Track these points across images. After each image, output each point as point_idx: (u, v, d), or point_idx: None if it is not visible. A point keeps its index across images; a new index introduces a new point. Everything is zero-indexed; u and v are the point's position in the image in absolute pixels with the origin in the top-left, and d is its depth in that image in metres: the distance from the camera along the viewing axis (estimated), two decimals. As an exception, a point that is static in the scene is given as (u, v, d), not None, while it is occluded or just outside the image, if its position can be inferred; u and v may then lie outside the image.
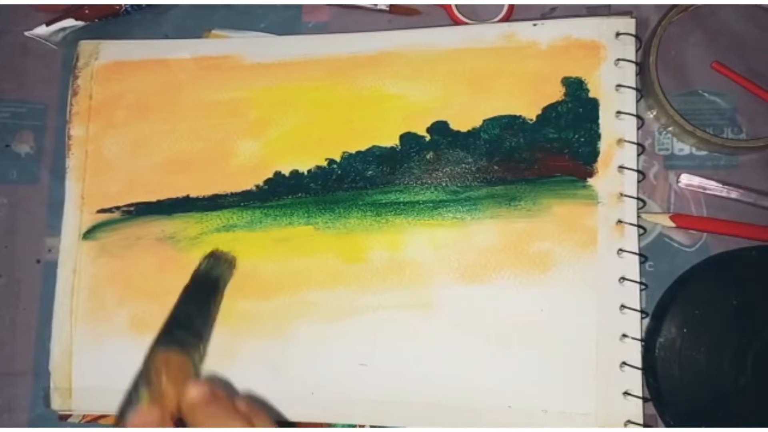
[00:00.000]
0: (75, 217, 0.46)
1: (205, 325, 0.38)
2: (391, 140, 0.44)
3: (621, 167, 0.41)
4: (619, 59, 0.42)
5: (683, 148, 0.44)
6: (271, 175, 0.44)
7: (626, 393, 0.40)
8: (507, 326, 0.41)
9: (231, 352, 0.43)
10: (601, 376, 0.40)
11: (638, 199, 0.41)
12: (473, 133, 0.43)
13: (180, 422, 0.32)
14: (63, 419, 0.45)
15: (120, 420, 0.32)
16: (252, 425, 0.31)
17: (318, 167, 0.44)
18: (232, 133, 0.45)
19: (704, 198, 0.43)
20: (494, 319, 0.41)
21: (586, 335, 0.40)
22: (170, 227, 0.45)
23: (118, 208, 0.45)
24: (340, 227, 0.43)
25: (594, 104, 0.42)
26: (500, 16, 0.45)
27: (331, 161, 0.44)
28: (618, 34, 0.42)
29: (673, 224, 0.42)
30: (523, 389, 0.41)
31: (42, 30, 0.47)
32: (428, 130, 0.44)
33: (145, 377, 0.33)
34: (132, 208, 0.45)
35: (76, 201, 0.46)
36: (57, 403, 0.44)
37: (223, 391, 0.33)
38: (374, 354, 0.42)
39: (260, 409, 0.33)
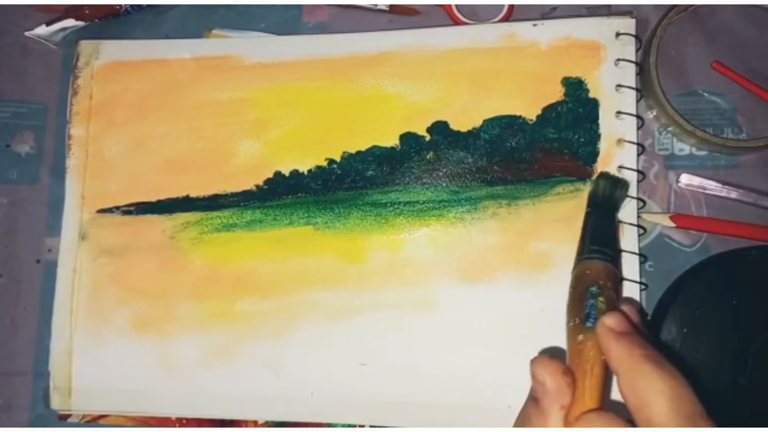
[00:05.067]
0: (75, 217, 0.46)
1: (614, 238, 0.38)
2: (391, 140, 0.44)
3: (621, 167, 0.41)
4: (619, 59, 0.42)
5: (683, 148, 0.44)
6: (271, 175, 0.44)
7: (626, 393, 0.40)
8: (507, 326, 0.41)
9: (231, 351, 0.43)
10: (601, 376, 0.40)
11: (638, 199, 0.41)
12: (473, 133, 0.43)
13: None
14: (63, 419, 0.45)
15: (582, 330, 0.31)
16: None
17: (318, 167, 0.44)
18: (232, 133, 0.45)
19: (704, 198, 0.43)
20: (494, 318, 0.41)
21: (586, 335, 0.40)
22: (170, 227, 0.45)
23: (118, 207, 0.45)
24: (340, 227, 0.43)
25: (594, 104, 0.42)
26: (500, 16, 0.45)
27: (331, 161, 0.44)
28: (618, 35, 0.42)
29: (673, 224, 0.42)
30: (523, 389, 0.41)
31: (42, 30, 0.47)
32: (428, 130, 0.44)
33: (590, 280, 0.33)
34: (132, 208, 0.45)
35: (76, 201, 0.46)
36: (57, 403, 0.44)
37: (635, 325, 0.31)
38: (374, 354, 0.42)
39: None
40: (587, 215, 0.38)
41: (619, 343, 0.30)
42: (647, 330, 0.34)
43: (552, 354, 0.32)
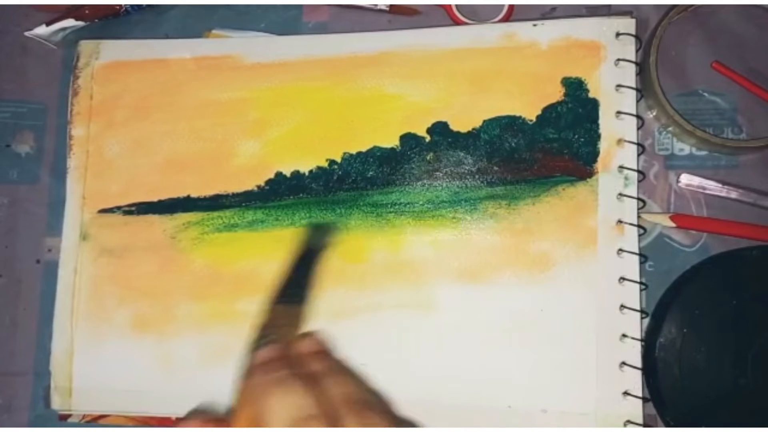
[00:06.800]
0: (76, 217, 0.46)
1: (311, 278, 0.42)
2: (391, 141, 0.44)
3: (621, 167, 0.41)
4: (619, 59, 0.42)
5: (683, 148, 0.44)
6: (272, 176, 0.44)
7: (626, 393, 0.40)
8: (507, 326, 0.41)
9: (231, 351, 0.43)
10: (601, 376, 0.40)
11: (638, 199, 0.41)
12: (473, 134, 0.43)
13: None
14: (63, 419, 0.45)
15: (248, 362, 0.34)
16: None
17: (319, 167, 0.44)
18: (232, 133, 0.45)
19: (704, 198, 0.43)
20: (494, 319, 0.42)
21: (585, 335, 0.40)
22: (171, 227, 0.45)
23: (119, 208, 0.45)
24: (341, 227, 0.43)
25: (594, 104, 0.42)
26: (500, 16, 0.45)
27: (332, 162, 0.44)
28: (618, 35, 0.42)
29: (673, 224, 0.42)
30: (522, 389, 0.41)
31: (42, 30, 0.47)
32: (428, 130, 0.44)
33: (266, 326, 0.37)
34: (133, 208, 0.45)
35: (77, 201, 0.46)
36: (57, 403, 0.44)
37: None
38: (374, 354, 0.42)
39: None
40: (292, 263, 0.41)
41: (256, 373, 0.31)
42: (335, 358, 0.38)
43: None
